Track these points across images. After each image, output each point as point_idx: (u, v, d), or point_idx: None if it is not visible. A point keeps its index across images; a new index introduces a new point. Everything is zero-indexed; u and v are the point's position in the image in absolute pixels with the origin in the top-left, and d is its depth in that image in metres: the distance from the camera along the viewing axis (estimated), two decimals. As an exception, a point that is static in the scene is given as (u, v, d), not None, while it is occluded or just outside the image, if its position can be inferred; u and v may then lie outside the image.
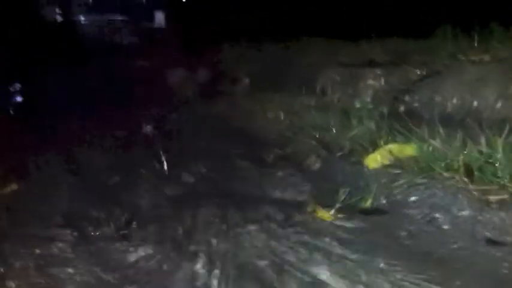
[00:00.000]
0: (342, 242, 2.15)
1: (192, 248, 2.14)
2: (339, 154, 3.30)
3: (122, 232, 2.25)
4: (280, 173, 3.19)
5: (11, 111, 6.56)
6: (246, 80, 5.66)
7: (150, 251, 2.13)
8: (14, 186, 2.96)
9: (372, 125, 3.40)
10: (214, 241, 2.19)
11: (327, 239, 2.20)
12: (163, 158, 3.42)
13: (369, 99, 3.81)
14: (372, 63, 4.18)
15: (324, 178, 3.04)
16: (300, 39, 5.98)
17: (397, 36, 4.78)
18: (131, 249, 2.12)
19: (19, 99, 7.64)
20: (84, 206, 2.59)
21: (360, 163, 3.11)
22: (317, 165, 3.26)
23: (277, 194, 2.88)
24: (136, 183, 3.01)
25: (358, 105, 3.77)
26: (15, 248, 2.11)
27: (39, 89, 7.36)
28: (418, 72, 3.68)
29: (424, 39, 4.45)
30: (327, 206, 2.57)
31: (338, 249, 2.11)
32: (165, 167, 3.37)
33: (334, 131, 3.63)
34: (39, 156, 3.63)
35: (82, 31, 12.01)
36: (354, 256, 2.04)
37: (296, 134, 3.84)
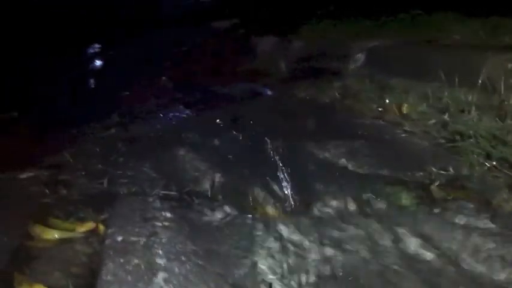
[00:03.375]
0: None
1: None
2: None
3: None
4: (458, 217, 2.18)
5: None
6: (362, 58, 4.58)
7: None
8: (101, 228, 2.12)
9: None
10: None
11: None
12: (284, 181, 2.51)
13: None
14: None
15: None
16: (429, 13, 4.78)
17: None
18: None
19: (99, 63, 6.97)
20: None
21: None
22: (516, 206, 2.22)
23: (474, 266, 1.88)
24: (261, 232, 2.09)
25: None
26: None
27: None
28: None
29: None
30: None
31: None
32: (289, 193, 2.46)
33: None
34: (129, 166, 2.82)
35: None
36: None
37: (459, 145, 2.81)
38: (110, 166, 2.85)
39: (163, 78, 5.61)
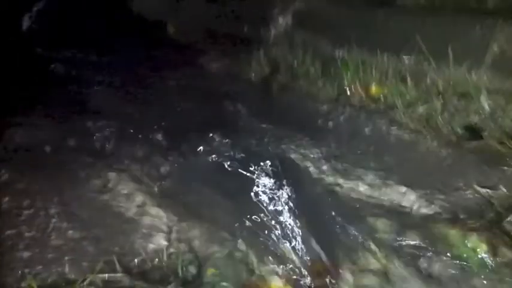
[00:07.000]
0: None
1: None
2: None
3: None
4: None
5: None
6: (287, 21, 3.63)
7: None
8: None
9: None
10: None
11: None
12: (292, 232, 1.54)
13: None
14: None
15: None
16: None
17: None
18: None
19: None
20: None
21: None
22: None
23: None
24: None
25: None
26: None
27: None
28: None
29: None
30: None
31: None
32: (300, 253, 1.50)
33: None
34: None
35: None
36: None
37: (485, 145, 2.07)
38: None
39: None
